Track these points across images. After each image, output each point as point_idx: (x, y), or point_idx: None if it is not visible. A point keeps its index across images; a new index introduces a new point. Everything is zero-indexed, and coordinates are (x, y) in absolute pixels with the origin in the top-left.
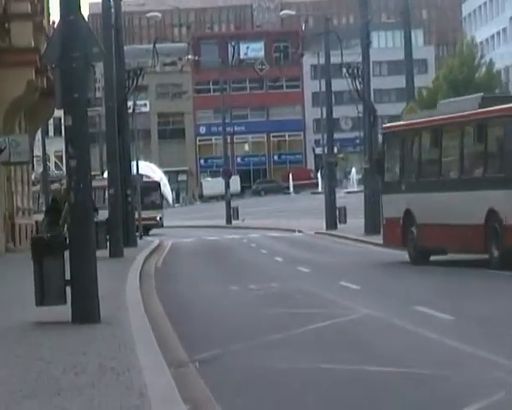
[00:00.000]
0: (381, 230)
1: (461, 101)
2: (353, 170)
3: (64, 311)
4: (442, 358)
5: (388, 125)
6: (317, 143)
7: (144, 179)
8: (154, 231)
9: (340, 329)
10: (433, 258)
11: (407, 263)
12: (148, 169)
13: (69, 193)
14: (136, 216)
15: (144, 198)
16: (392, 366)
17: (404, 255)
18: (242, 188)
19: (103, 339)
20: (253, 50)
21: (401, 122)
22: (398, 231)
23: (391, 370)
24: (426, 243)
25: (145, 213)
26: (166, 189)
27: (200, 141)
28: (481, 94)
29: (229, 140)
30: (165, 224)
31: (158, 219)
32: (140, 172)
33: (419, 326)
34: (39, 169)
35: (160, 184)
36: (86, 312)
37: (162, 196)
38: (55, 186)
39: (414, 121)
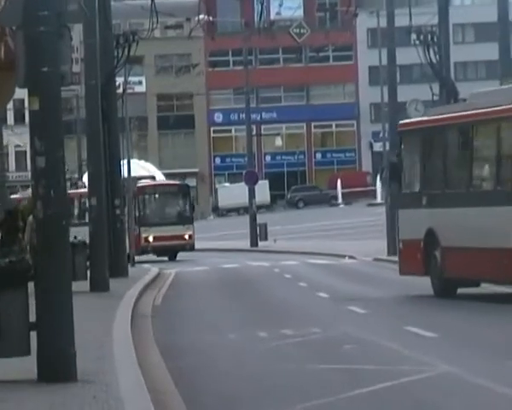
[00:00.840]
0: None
1: (496, 91)
2: None
3: (28, 365)
4: None
5: (406, 121)
6: (375, 136)
7: (165, 181)
8: (181, 255)
9: (408, 392)
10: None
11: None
12: (143, 171)
13: (35, 204)
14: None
15: (166, 208)
16: None
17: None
18: (273, 197)
19: (81, 403)
20: (289, 8)
21: (422, 118)
22: (419, 256)
23: None
24: (453, 272)
25: (167, 230)
26: None
27: (215, 133)
28: None
29: (254, 131)
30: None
31: (187, 237)
32: (133, 174)
33: None
34: None
35: (189, 188)
36: (58, 366)
37: (193, 206)
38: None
39: (438, 117)
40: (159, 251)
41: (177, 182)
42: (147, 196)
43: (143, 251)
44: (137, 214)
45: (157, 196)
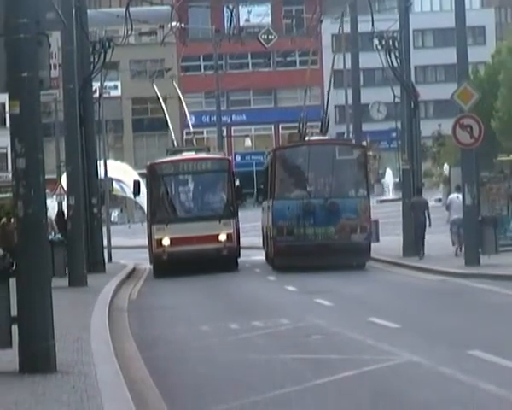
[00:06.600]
0: None
1: None
2: (388, 172)
3: (10, 357)
4: None
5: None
6: (340, 136)
7: (194, 155)
8: None
9: (372, 380)
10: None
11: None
12: (120, 171)
13: (16, 203)
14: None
15: (193, 195)
16: None
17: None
18: (242, 195)
19: (61, 393)
20: (257, 15)
21: None
22: None
23: None
24: None
25: (192, 229)
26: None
27: (187, 134)
28: None
29: (225, 133)
30: (136, 244)
31: (222, 238)
32: (110, 175)
33: (474, 376)
34: None
35: (230, 165)
36: (38, 358)
37: (240, 190)
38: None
39: None
40: (178, 260)
41: (212, 155)
42: (165, 179)
43: (158, 260)
44: (150, 207)
45: (180, 177)
